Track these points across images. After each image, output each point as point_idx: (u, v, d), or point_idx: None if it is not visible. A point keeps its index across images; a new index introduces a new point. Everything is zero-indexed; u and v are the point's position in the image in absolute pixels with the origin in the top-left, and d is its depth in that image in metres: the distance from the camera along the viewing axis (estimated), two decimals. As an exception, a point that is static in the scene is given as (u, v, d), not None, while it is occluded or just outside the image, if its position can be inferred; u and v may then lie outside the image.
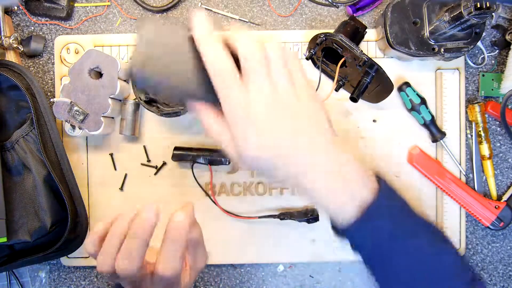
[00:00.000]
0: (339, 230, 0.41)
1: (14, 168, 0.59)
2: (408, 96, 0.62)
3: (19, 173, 0.59)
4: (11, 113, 0.61)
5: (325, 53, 0.60)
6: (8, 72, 0.57)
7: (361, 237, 0.39)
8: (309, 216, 0.62)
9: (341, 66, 0.58)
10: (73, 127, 0.59)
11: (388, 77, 0.57)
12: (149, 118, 0.64)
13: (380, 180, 0.40)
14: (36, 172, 0.58)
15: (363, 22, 0.60)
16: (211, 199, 0.64)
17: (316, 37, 0.58)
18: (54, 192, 0.59)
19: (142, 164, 0.64)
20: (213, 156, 0.62)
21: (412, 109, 0.62)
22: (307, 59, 0.63)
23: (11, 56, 0.62)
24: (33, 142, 0.59)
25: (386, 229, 0.38)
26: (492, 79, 0.65)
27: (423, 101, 0.62)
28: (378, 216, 0.38)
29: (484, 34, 0.63)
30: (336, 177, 0.38)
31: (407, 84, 0.62)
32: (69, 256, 0.64)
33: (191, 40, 0.37)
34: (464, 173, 0.65)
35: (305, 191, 0.38)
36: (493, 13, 0.61)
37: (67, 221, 0.58)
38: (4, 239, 0.55)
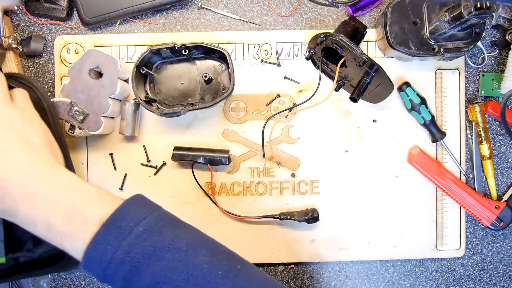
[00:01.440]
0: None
1: None
2: (408, 96, 0.62)
3: None
4: None
5: (325, 53, 0.60)
6: (18, 85, 0.56)
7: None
8: (309, 216, 0.62)
9: (341, 66, 0.58)
10: (73, 127, 0.59)
11: (388, 77, 0.57)
12: (149, 118, 0.64)
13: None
14: None
15: (363, 22, 0.60)
16: (211, 199, 0.64)
17: (316, 37, 0.58)
18: None
19: (142, 164, 0.64)
20: (213, 156, 0.62)
21: (412, 109, 0.62)
22: (307, 59, 0.63)
23: (11, 57, 0.62)
24: None
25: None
26: (492, 79, 0.65)
27: (423, 101, 0.62)
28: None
29: (484, 34, 0.63)
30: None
31: (407, 84, 0.62)
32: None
33: None
34: (464, 173, 0.65)
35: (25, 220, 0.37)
36: (493, 13, 0.61)
37: None
38: (3, 259, 0.54)
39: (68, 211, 0.37)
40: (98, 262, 0.35)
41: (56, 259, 0.60)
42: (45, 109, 0.57)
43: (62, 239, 0.37)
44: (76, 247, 0.37)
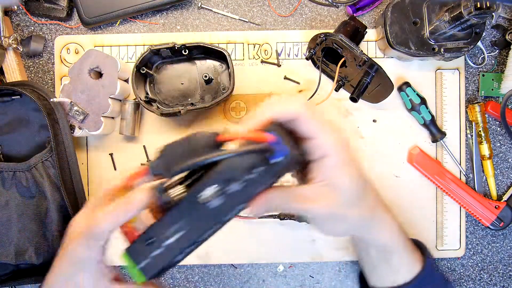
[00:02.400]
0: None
1: (26, 189, 0.58)
2: (408, 96, 0.62)
3: (31, 195, 0.58)
4: (31, 134, 0.61)
5: (325, 53, 0.60)
6: (33, 94, 0.57)
7: None
8: (309, 216, 0.62)
9: (341, 66, 0.58)
10: (73, 127, 0.59)
11: (388, 77, 0.57)
12: (149, 118, 0.64)
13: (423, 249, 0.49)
14: (51, 198, 0.57)
15: (363, 22, 0.60)
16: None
17: (316, 37, 0.58)
18: (66, 218, 0.59)
19: (142, 164, 0.64)
20: None
21: (412, 109, 0.62)
22: (307, 59, 0.63)
23: (11, 56, 0.62)
24: (51, 167, 0.58)
25: None
26: (492, 79, 0.65)
27: (423, 101, 0.62)
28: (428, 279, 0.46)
29: (484, 34, 0.63)
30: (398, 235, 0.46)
31: (407, 84, 0.62)
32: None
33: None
34: (464, 173, 0.65)
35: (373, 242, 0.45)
36: (493, 13, 0.61)
37: None
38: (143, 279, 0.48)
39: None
40: None
41: None
42: (58, 122, 0.58)
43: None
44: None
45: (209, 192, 0.35)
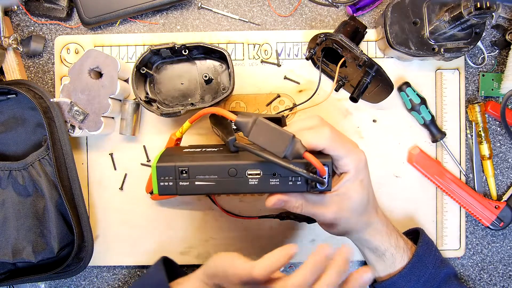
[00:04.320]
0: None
1: (23, 188, 0.58)
2: (408, 96, 0.62)
3: (27, 193, 0.58)
4: (27, 133, 0.61)
5: (325, 53, 0.60)
6: (29, 93, 0.57)
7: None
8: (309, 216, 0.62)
9: (341, 66, 0.58)
10: (73, 127, 0.59)
11: (388, 77, 0.57)
12: (149, 118, 0.64)
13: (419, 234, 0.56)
14: (49, 196, 0.57)
15: (363, 22, 0.60)
16: (211, 199, 0.64)
17: (316, 37, 0.58)
18: (63, 216, 0.59)
19: (142, 164, 0.64)
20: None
21: (412, 109, 0.62)
22: (307, 59, 0.63)
23: (11, 56, 0.62)
24: (48, 165, 0.58)
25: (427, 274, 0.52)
26: (492, 79, 0.65)
27: (423, 101, 0.62)
28: (423, 263, 0.52)
29: (484, 34, 0.63)
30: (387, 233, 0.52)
31: (407, 84, 0.62)
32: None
33: None
34: (464, 173, 0.65)
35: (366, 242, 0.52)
36: (493, 13, 0.61)
37: (74, 245, 0.59)
38: None
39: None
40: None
41: (54, 266, 0.60)
42: (54, 120, 0.58)
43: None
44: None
45: (254, 172, 0.43)
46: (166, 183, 0.43)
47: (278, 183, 0.44)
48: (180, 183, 0.43)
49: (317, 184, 0.44)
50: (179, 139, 0.55)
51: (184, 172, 0.43)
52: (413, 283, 0.52)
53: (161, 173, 0.43)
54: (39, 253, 0.58)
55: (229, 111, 0.45)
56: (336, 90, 0.61)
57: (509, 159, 0.66)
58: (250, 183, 0.43)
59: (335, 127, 0.47)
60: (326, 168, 0.43)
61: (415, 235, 0.57)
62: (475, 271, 0.67)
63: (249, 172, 0.43)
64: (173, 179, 0.43)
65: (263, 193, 0.48)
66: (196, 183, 0.43)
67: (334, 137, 0.44)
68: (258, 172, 0.43)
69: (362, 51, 0.55)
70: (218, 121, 0.53)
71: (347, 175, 0.46)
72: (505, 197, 0.65)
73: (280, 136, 0.41)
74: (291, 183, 0.44)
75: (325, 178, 0.44)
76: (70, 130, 0.59)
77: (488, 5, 0.49)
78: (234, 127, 0.47)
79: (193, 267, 0.66)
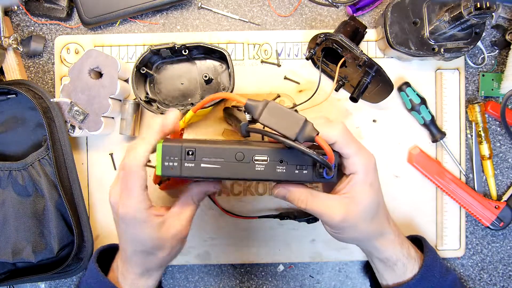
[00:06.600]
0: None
1: (23, 188, 0.58)
2: (408, 96, 0.62)
3: (27, 194, 0.58)
4: (27, 133, 0.61)
5: (325, 53, 0.60)
6: (29, 93, 0.57)
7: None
8: (309, 216, 0.62)
9: (341, 66, 0.58)
10: (73, 127, 0.59)
11: (388, 77, 0.57)
12: (149, 118, 0.64)
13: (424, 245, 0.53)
14: (49, 196, 0.57)
15: (363, 22, 0.60)
16: (211, 199, 0.64)
17: (316, 37, 0.58)
18: (63, 216, 0.59)
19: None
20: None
21: (412, 109, 0.62)
22: (307, 59, 0.63)
23: (11, 56, 0.62)
24: (48, 165, 0.58)
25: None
26: (492, 79, 0.65)
27: (423, 101, 0.62)
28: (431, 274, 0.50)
29: (484, 34, 0.63)
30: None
31: (407, 84, 0.62)
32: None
33: None
34: (464, 173, 0.65)
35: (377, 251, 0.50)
36: (493, 13, 0.61)
37: (74, 245, 0.59)
38: None
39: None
40: None
41: (54, 266, 0.60)
42: (53, 120, 0.58)
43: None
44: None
45: (261, 158, 0.43)
46: (170, 163, 0.42)
47: (284, 170, 0.43)
48: (185, 164, 0.42)
49: (324, 173, 0.43)
50: (183, 130, 0.55)
51: (190, 153, 0.42)
52: None
53: (166, 152, 0.42)
54: (39, 253, 0.58)
55: (238, 94, 0.45)
56: (336, 90, 0.61)
57: (509, 159, 0.66)
58: (256, 168, 0.43)
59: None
60: (335, 156, 0.43)
61: (415, 242, 0.56)
62: (475, 271, 0.67)
63: (256, 158, 0.43)
64: (178, 159, 0.42)
65: (267, 181, 0.50)
66: (202, 165, 0.42)
67: (347, 133, 0.44)
68: (265, 158, 0.43)
69: (362, 51, 0.55)
70: (230, 114, 0.54)
71: (356, 176, 0.45)
72: (505, 197, 0.65)
73: (292, 118, 0.40)
74: (297, 171, 0.43)
75: (333, 166, 0.43)
76: (70, 130, 0.59)
77: (488, 5, 0.49)
78: (247, 116, 0.47)
79: (193, 267, 0.66)
